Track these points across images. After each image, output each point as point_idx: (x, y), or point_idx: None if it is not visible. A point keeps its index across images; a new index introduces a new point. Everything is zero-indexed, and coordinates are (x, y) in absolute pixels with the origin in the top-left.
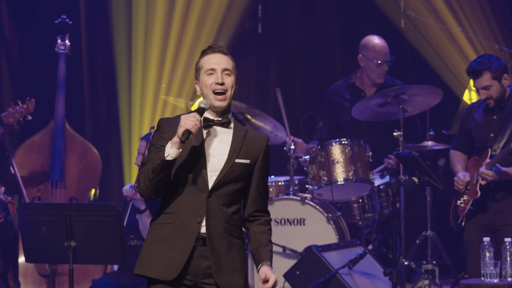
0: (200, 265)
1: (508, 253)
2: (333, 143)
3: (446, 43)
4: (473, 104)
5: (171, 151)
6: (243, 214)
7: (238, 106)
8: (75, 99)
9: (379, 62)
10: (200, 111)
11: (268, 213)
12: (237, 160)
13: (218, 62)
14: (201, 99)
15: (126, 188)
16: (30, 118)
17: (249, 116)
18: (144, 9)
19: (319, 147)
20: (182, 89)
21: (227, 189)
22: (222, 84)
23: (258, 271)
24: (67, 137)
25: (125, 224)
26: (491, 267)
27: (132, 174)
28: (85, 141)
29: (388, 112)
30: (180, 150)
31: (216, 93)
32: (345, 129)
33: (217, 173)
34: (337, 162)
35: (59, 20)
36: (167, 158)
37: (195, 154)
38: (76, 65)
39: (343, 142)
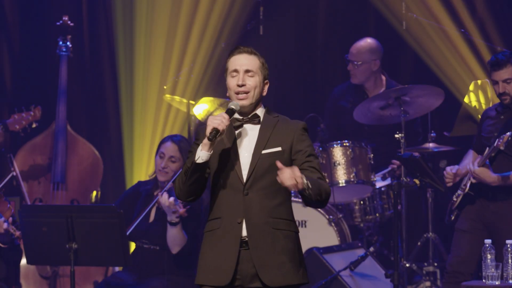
0: (246, 269)
1: (509, 255)
2: (335, 145)
3: (448, 45)
4: (492, 106)
5: (201, 153)
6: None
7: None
8: (77, 101)
9: (348, 58)
10: (230, 111)
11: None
12: (264, 151)
13: (241, 63)
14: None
15: (171, 201)
16: (36, 125)
17: None
18: (146, 10)
19: (320, 149)
20: (185, 90)
21: (263, 182)
22: (242, 85)
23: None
24: (68, 139)
25: (134, 226)
26: (493, 269)
27: (133, 176)
28: (86, 142)
29: (390, 115)
30: (211, 152)
31: (238, 93)
32: (348, 132)
33: (248, 168)
34: (339, 164)
35: (61, 21)
36: (197, 161)
37: (229, 156)
38: (78, 67)
39: (344, 144)
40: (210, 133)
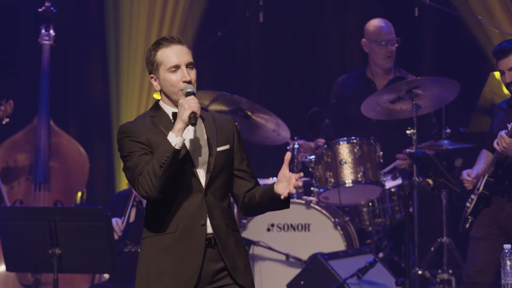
0: (209, 270)
1: None
2: (341, 142)
3: (463, 34)
4: (503, 100)
5: (177, 140)
6: (239, 199)
7: (237, 101)
8: (61, 94)
9: (383, 42)
10: (192, 95)
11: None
12: (219, 149)
13: (180, 56)
14: (188, 86)
15: (119, 225)
16: (7, 120)
17: (249, 113)
18: None
19: (325, 146)
20: None
21: (218, 183)
22: (189, 82)
23: (275, 189)
24: (51, 135)
25: (123, 228)
26: None
27: (122, 176)
28: (71, 139)
29: (401, 109)
30: (184, 138)
31: None
32: (354, 126)
33: (205, 167)
34: (345, 162)
35: (43, 8)
36: (176, 147)
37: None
38: (61, 57)
39: (351, 141)
40: (190, 118)
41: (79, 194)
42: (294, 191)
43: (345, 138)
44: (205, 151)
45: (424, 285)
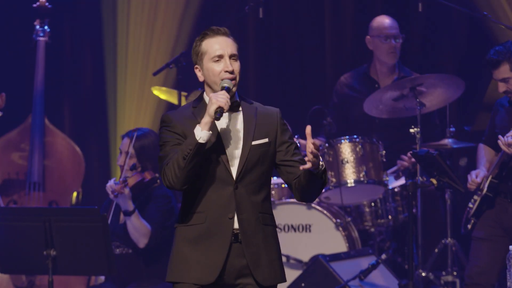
0: (236, 265)
1: None
2: (343, 141)
3: (469, 30)
4: (504, 97)
5: (202, 133)
6: (292, 187)
7: None
8: (56, 92)
9: (386, 36)
10: (226, 90)
11: None
12: (254, 143)
13: (224, 47)
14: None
15: (111, 184)
16: (1, 114)
17: None
18: None
19: (326, 145)
20: (175, 80)
21: (252, 176)
22: (232, 72)
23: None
24: (46, 134)
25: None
26: None
27: (118, 175)
28: (66, 138)
29: (404, 107)
30: (211, 132)
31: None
32: (356, 125)
33: (237, 161)
34: (347, 161)
35: (38, 3)
36: (200, 141)
37: (214, 147)
38: (57, 53)
39: (353, 140)
40: (215, 112)
41: (75, 194)
42: (311, 156)
43: (347, 137)
44: (239, 144)
45: (428, 287)
